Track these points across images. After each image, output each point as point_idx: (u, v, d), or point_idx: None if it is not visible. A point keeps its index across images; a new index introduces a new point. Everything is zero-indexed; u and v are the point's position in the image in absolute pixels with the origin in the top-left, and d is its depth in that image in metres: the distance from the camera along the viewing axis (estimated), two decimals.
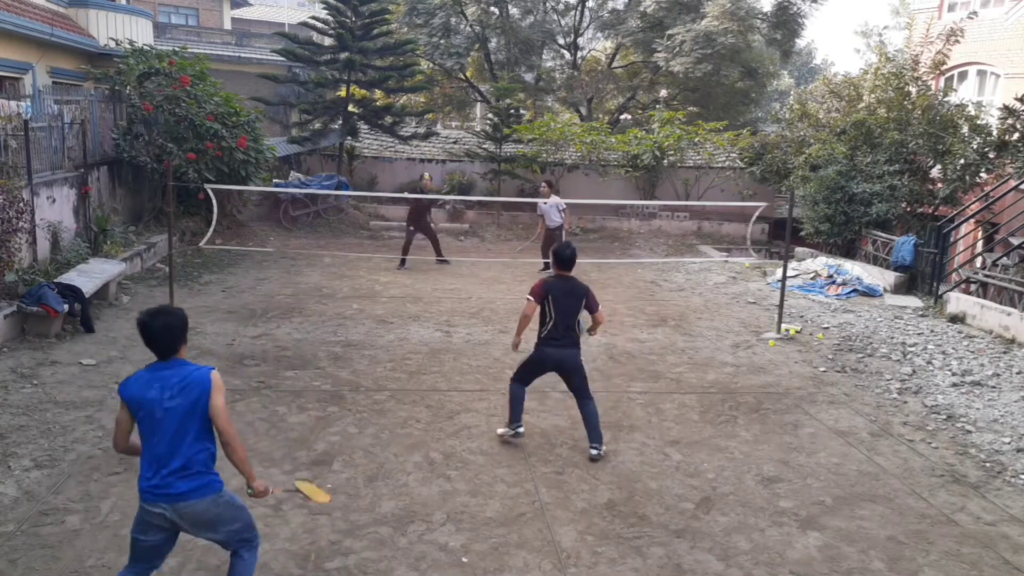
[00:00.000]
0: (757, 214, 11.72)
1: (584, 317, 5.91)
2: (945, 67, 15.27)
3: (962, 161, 13.09)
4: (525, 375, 6.08)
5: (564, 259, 5.87)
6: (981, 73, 16.93)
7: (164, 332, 3.51)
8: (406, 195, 13.57)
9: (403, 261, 13.12)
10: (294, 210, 16.37)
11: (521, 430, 6.09)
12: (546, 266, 13.12)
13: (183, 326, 3.60)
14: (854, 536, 5.00)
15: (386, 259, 13.64)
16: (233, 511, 3.63)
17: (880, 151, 14.12)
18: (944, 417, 7.12)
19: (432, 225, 13.80)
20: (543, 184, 13.97)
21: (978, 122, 13.43)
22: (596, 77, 25.07)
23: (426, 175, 15.08)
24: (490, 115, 19.88)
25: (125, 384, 3.54)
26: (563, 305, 5.77)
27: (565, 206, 13.13)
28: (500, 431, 6.18)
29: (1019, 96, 12.46)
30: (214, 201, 9.77)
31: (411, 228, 13.28)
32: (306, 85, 17.74)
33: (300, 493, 4.55)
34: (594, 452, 5.87)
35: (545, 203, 12.96)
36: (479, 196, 17.97)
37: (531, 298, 5.80)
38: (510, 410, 6.08)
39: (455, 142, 20.96)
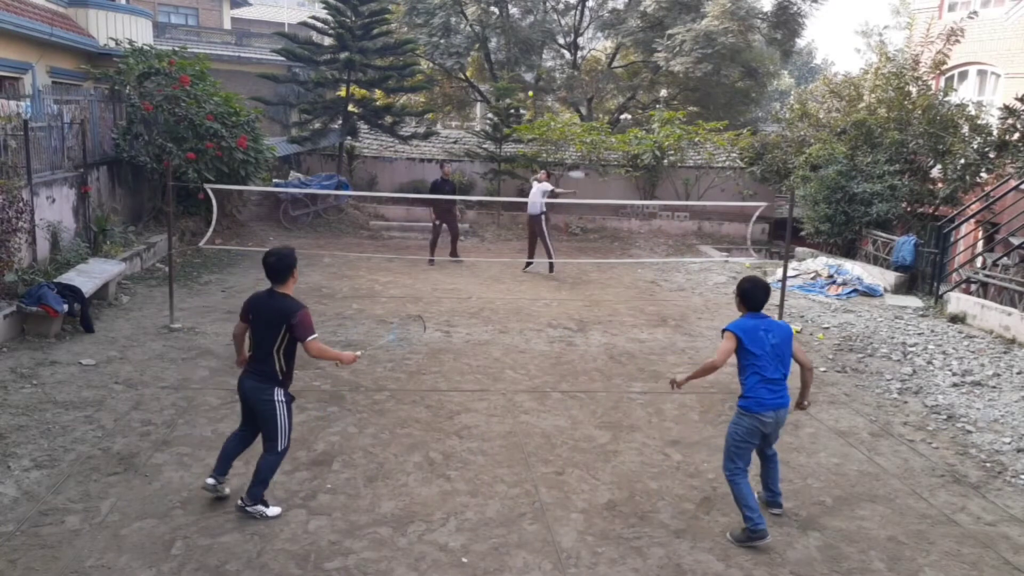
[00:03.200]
0: (757, 214, 11.72)
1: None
2: (945, 67, 15.27)
3: (962, 161, 13.08)
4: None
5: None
6: (981, 73, 16.93)
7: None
8: (426, 195, 13.70)
9: (453, 251, 13.55)
10: (294, 210, 16.36)
11: None
12: (528, 264, 13.06)
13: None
14: (854, 536, 5.00)
15: (386, 259, 13.64)
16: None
17: (880, 151, 14.12)
18: (944, 417, 7.12)
19: (458, 220, 13.99)
20: (541, 172, 14.04)
21: (978, 122, 13.43)
22: (596, 77, 25.06)
23: (446, 166, 15.07)
24: (490, 115, 19.88)
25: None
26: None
27: (551, 191, 13.01)
28: None
29: (1019, 96, 12.46)
30: (214, 201, 9.76)
31: (437, 222, 13.36)
32: (306, 85, 17.73)
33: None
34: (239, 504, 4.88)
35: (537, 183, 12.95)
36: (479, 196, 17.96)
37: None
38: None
39: (455, 142, 20.96)
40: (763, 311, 4.96)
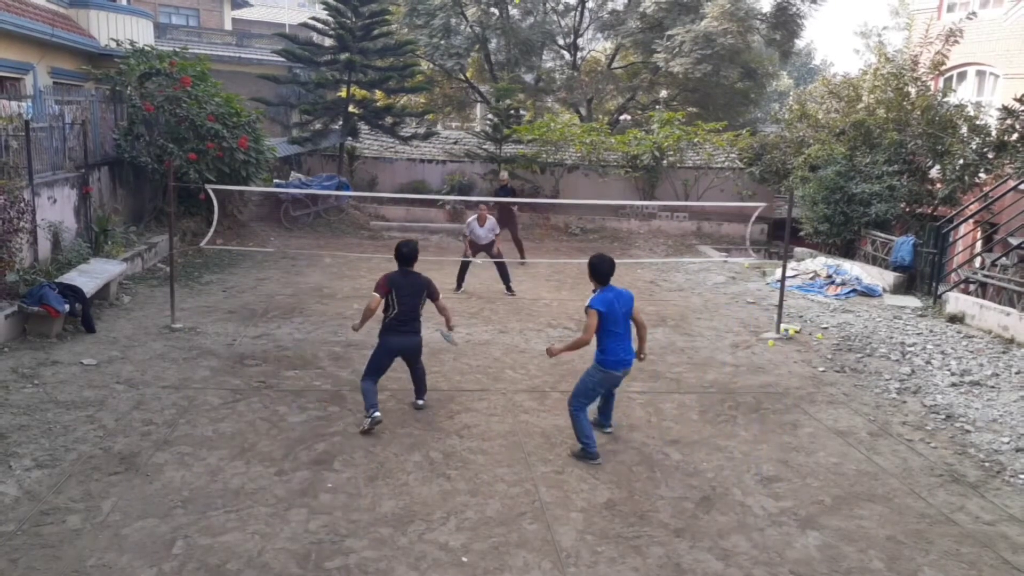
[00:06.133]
0: (756, 214, 11.73)
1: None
2: (944, 67, 15.27)
3: (961, 161, 13.09)
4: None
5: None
6: (980, 73, 16.94)
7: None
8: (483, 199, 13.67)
9: (521, 255, 13.70)
10: (295, 210, 16.38)
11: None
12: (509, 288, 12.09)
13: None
14: (853, 536, 5.01)
15: (386, 259, 13.62)
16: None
17: (879, 151, 14.14)
18: (943, 417, 7.14)
19: (519, 225, 14.00)
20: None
21: (977, 122, 13.44)
22: (596, 78, 25.08)
23: (503, 174, 15.00)
24: (490, 116, 19.90)
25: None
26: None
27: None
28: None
29: (1018, 96, 12.47)
30: (215, 201, 9.78)
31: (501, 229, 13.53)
32: (306, 86, 17.76)
33: None
34: (420, 403, 6.79)
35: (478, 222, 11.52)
36: (479, 196, 17.98)
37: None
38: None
39: (455, 143, 20.98)
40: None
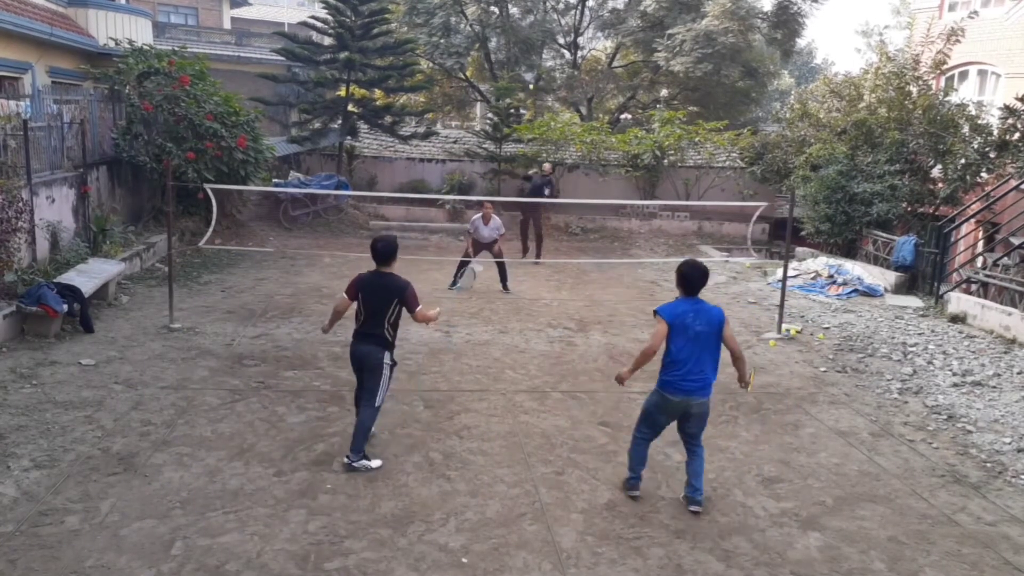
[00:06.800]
0: (758, 214, 11.70)
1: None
2: (946, 67, 15.25)
3: (963, 161, 13.07)
4: None
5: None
6: (982, 73, 16.91)
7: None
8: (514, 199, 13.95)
9: (538, 254, 13.77)
10: (294, 210, 16.35)
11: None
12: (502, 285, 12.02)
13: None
14: (855, 536, 4.99)
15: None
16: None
17: (881, 151, 14.11)
18: (945, 417, 7.11)
19: (544, 221, 14.15)
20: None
21: (979, 122, 13.42)
22: (596, 77, 25.04)
23: (546, 165, 14.95)
24: (490, 115, 19.87)
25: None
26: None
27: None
28: None
29: (1020, 96, 12.45)
30: (213, 201, 9.75)
31: (525, 217, 13.77)
32: (306, 85, 17.72)
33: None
34: (346, 461, 5.50)
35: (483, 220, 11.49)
36: (479, 196, 17.95)
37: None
38: None
39: (455, 142, 20.95)
40: (700, 295, 5.12)
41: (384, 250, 5.51)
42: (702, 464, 5.26)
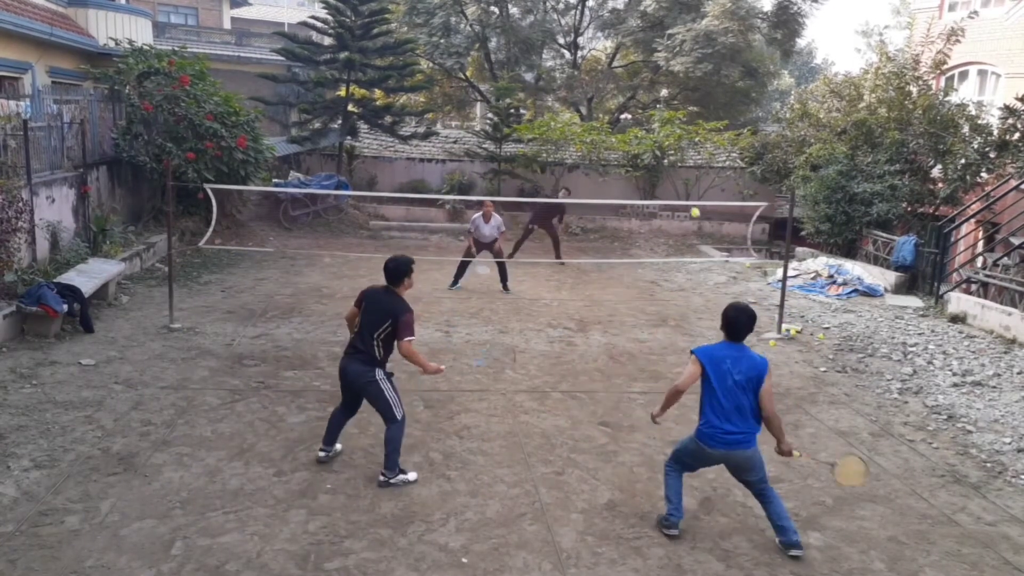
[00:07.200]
0: (758, 214, 11.70)
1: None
2: (946, 67, 15.25)
3: (963, 161, 13.07)
4: None
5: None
6: (982, 73, 16.91)
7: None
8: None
9: (557, 255, 13.82)
10: (294, 210, 16.35)
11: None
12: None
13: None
14: (855, 536, 4.99)
15: (385, 259, 13.59)
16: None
17: (881, 151, 14.12)
18: (945, 417, 7.11)
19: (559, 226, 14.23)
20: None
21: (979, 122, 13.42)
22: (596, 77, 25.04)
23: (563, 192, 15.09)
24: (490, 115, 19.87)
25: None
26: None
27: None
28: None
29: (1020, 96, 12.45)
30: (213, 201, 9.75)
31: (531, 227, 13.72)
32: (306, 85, 17.72)
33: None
34: (382, 479, 5.34)
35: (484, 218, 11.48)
36: (479, 196, 17.95)
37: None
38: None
39: (455, 142, 20.96)
40: (745, 341, 4.72)
41: (394, 270, 5.38)
42: (781, 505, 4.74)
